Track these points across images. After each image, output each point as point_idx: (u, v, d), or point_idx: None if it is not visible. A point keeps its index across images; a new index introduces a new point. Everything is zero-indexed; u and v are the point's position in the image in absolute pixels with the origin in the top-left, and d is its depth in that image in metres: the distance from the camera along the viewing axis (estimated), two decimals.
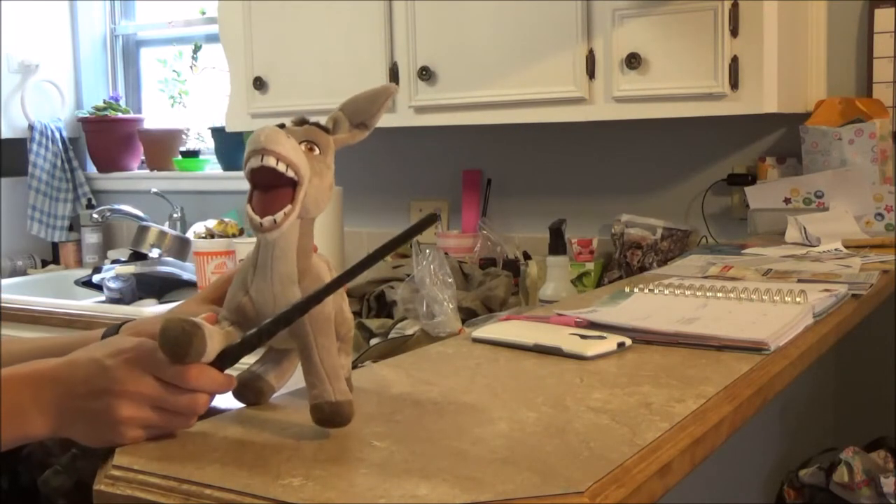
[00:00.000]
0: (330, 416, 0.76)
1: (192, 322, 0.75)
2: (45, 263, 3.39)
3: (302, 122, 0.84)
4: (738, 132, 2.28)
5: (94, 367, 0.76)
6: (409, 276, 1.92)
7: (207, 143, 3.30)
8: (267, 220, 0.77)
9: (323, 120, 0.87)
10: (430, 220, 0.79)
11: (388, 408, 0.86)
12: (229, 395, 0.84)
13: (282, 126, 0.81)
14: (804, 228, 1.89)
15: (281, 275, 0.80)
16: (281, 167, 0.77)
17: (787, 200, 2.03)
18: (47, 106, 3.42)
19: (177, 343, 0.74)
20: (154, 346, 0.75)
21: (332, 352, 0.80)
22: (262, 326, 0.78)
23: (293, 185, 0.78)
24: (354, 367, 1.06)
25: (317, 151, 0.81)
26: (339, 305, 0.85)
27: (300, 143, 0.80)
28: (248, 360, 0.87)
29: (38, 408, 0.76)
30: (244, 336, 0.79)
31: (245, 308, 0.82)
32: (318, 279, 0.82)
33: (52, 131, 3.35)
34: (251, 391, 0.86)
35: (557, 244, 2.15)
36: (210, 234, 2.80)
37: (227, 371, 0.81)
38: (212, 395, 0.79)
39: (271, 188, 0.78)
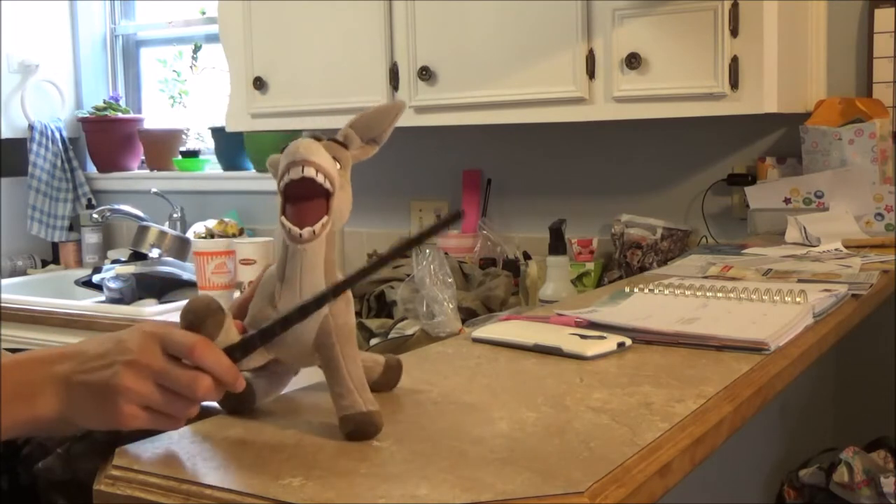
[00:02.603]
0: (362, 427, 0.76)
1: (218, 303, 0.77)
2: (45, 263, 3.40)
3: (312, 136, 0.83)
4: (738, 132, 2.28)
5: (110, 341, 0.77)
6: (409, 276, 1.92)
7: (207, 143, 3.30)
8: (306, 230, 0.78)
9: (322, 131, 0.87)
10: (455, 217, 0.80)
11: (388, 408, 0.86)
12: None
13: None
14: (804, 228, 1.89)
15: (311, 286, 0.80)
16: (320, 178, 0.77)
17: (787, 200, 2.03)
18: (47, 106, 3.42)
19: (195, 311, 0.76)
20: (172, 325, 0.77)
21: (358, 362, 0.80)
22: (270, 324, 0.78)
23: (327, 196, 0.79)
24: None
25: (338, 166, 0.81)
26: None
27: None
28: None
29: (47, 385, 0.77)
30: (260, 329, 0.79)
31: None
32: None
33: (52, 131, 3.35)
34: (235, 395, 0.83)
35: (557, 244, 2.15)
36: (210, 234, 2.80)
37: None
38: (215, 382, 0.76)
39: (306, 199, 0.79)
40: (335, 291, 0.78)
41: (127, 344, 0.76)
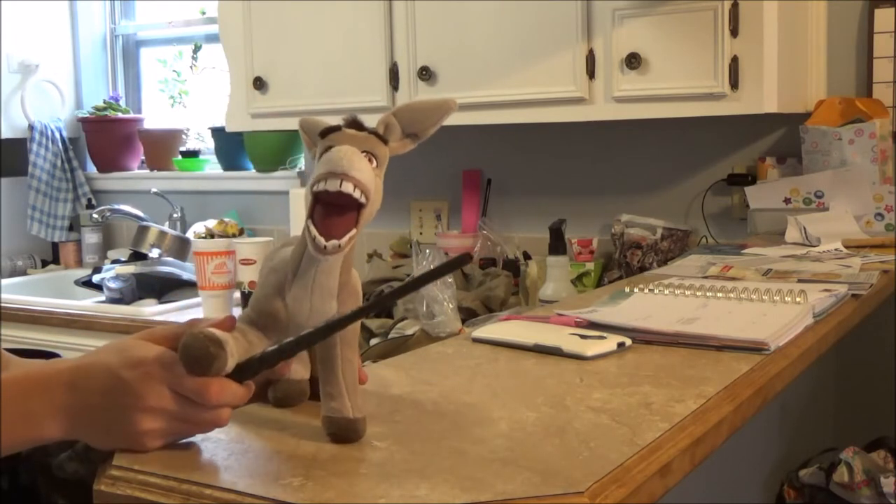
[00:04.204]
0: (344, 433, 0.76)
1: (217, 340, 0.74)
2: (45, 263, 3.39)
3: (353, 122, 0.80)
4: (738, 132, 2.28)
5: (112, 379, 0.74)
6: (409, 276, 1.92)
7: (207, 143, 3.30)
8: (332, 244, 0.75)
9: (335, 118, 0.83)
10: (461, 261, 0.77)
11: (388, 408, 0.86)
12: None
13: (337, 129, 0.78)
14: (804, 228, 1.89)
15: (322, 288, 0.78)
16: (356, 194, 0.75)
17: (787, 200, 2.03)
18: (47, 106, 3.42)
19: (198, 361, 0.73)
20: (173, 358, 0.74)
21: (355, 366, 0.79)
22: (284, 345, 0.77)
23: (359, 207, 0.76)
24: None
25: (374, 164, 0.78)
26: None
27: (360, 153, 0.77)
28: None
29: (51, 413, 0.75)
30: (264, 353, 0.77)
31: (278, 314, 0.80)
32: (356, 293, 0.81)
33: (52, 131, 3.35)
34: (293, 398, 0.86)
35: (557, 244, 2.15)
36: (210, 234, 2.80)
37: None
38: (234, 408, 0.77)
39: (337, 208, 0.76)
40: (331, 329, 0.76)
41: (133, 387, 0.73)
